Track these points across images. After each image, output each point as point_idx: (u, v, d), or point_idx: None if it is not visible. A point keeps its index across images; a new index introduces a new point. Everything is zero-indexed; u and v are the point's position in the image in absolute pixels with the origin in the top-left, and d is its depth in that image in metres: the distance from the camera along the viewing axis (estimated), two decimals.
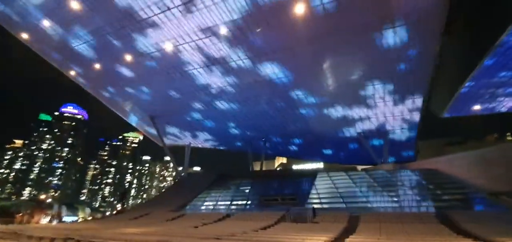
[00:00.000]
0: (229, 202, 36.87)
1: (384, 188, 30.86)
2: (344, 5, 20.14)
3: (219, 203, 37.39)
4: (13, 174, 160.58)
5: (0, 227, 27.01)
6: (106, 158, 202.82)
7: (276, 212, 28.05)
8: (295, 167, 73.45)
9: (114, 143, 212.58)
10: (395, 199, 27.95)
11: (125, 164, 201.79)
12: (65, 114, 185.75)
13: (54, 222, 58.63)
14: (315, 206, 28.65)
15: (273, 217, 25.15)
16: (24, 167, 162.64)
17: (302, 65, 28.56)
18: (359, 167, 44.94)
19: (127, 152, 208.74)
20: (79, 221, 60.39)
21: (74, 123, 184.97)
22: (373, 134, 41.10)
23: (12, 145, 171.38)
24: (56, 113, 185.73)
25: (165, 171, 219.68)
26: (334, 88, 31.90)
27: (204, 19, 23.54)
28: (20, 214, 60.83)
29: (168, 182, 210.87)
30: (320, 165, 63.98)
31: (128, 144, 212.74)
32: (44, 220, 63.47)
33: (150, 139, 58.45)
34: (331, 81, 30.82)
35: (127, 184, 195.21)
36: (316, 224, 21.04)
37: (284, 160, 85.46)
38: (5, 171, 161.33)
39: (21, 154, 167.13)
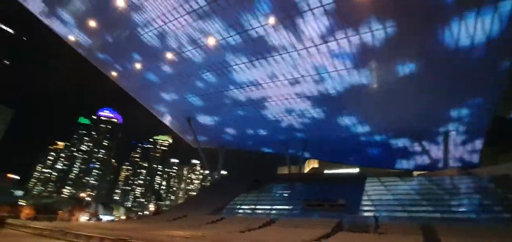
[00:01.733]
0: (268, 207, 35.11)
1: (452, 196, 26.99)
2: None
3: (258, 207, 35.76)
4: (55, 173, 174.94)
5: (47, 224, 27.94)
6: (138, 160, 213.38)
7: (325, 219, 25.66)
8: (327, 171, 69.56)
9: (146, 146, 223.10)
10: (471, 209, 24.07)
11: (155, 166, 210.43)
12: (102, 118, 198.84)
13: (93, 220, 61.43)
14: (370, 214, 25.79)
15: (325, 225, 22.81)
16: (65, 167, 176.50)
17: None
18: (415, 172, 40.67)
19: (157, 154, 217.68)
20: (115, 220, 62.72)
21: (110, 126, 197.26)
22: (430, 135, 36.86)
23: (54, 146, 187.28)
24: (94, 117, 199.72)
25: (192, 174, 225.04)
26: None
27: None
28: (62, 211, 64.83)
29: (195, 185, 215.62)
30: (354, 169, 60.06)
31: (158, 147, 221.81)
32: (83, 218, 66.97)
33: (180, 141, 58.88)
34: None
35: (157, 186, 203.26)
36: (384, 236, 18.38)
37: (315, 163, 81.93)
38: (48, 171, 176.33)
39: (62, 155, 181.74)
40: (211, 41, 27.06)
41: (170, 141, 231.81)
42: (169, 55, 30.53)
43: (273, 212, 33.65)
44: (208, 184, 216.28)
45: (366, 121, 36.67)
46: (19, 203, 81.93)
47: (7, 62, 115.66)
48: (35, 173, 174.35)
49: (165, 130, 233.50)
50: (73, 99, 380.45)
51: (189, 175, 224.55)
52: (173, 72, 33.98)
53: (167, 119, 51.39)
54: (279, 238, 16.30)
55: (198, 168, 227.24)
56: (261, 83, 32.39)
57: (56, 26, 31.27)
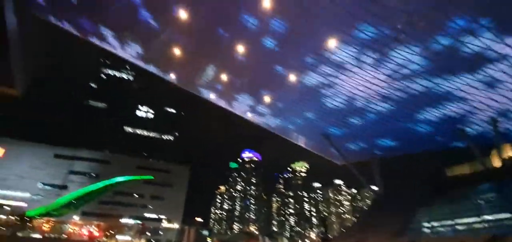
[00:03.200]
0: (477, 219, 26.19)
1: None
2: None
3: (459, 221, 27.46)
4: (224, 213, 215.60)
5: None
6: (283, 190, 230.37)
7: None
8: None
9: (286, 176, 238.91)
10: None
11: (299, 193, 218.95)
12: (245, 159, 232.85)
13: None
14: None
15: None
16: (230, 207, 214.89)
17: None
18: None
19: (299, 182, 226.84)
20: None
21: (253, 165, 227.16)
22: None
23: (219, 190, 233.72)
24: (239, 160, 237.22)
25: (338, 195, 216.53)
26: None
27: None
28: None
29: (345, 207, 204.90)
30: None
31: (297, 174, 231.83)
32: None
33: (318, 164, 57.13)
34: None
35: (307, 212, 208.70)
36: None
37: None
38: (219, 211, 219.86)
39: (226, 197, 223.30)
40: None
41: (307, 166, 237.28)
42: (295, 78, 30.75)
43: (487, 225, 24.67)
44: (360, 201, 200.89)
45: None
46: (208, 240, 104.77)
47: (177, 134, 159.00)
48: (212, 215, 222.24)
49: (300, 156, 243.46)
50: (222, 149, 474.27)
51: (336, 197, 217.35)
52: (307, 92, 33.90)
53: (302, 142, 51.66)
54: None
55: (344, 188, 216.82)
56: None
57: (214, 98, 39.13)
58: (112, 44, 31.90)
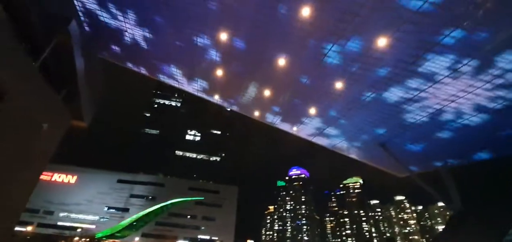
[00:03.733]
0: None
1: None
2: None
3: None
4: (275, 234, 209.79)
5: None
6: (336, 209, 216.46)
7: None
8: None
9: (338, 193, 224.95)
10: None
11: (355, 212, 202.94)
12: (293, 177, 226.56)
13: None
14: None
15: None
16: (280, 227, 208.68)
17: None
18: None
19: (353, 199, 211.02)
20: None
21: (301, 182, 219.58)
22: None
23: (268, 211, 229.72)
24: (287, 177, 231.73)
25: (402, 213, 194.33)
26: None
27: None
28: None
29: (412, 227, 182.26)
30: None
31: (351, 191, 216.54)
32: None
33: (373, 180, 50.60)
34: None
35: (366, 233, 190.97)
36: None
37: None
38: (270, 232, 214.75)
39: (275, 217, 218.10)
40: None
41: (361, 181, 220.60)
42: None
43: None
44: (428, 219, 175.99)
45: None
46: None
47: (223, 155, 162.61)
48: (262, 236, 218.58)
49: (352, 172, 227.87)
50: (268, 168, 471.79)
51: (399, 215, 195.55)
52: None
53: (354, 153, 46.22)
54: None
55: (407, 205, 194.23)
56: None
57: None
58: (180, 81, 33.40)
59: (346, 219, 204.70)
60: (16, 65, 12.62)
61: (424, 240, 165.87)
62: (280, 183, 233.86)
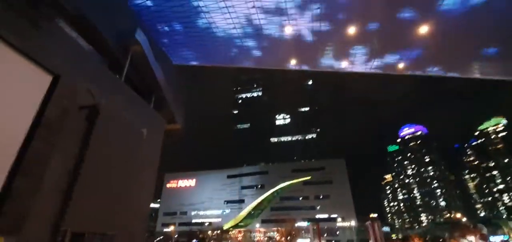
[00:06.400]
0: None
1: None
2: None
3: None
4: (402, 203, 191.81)
5: None
6: (476, 162, 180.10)
7: None
8: None
9: (474, 144, 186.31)
10: None
11: (506, 160, 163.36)
12: (406, 137, 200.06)
13: None
14: None
15: None
16: (405, 196, 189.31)
17: None
18: None
19: (499, 146, 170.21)
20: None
21: (419, 141, 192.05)
22: None
23: (385, 181, 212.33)
24: (398, 140, 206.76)
25: None
26: None
27: None
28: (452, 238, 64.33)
29: None
30: None
31: (493, 137, 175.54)
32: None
33: None
34: None
35: None
36: None
37: None
38: (393, 204, 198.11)
39: (396, 186, 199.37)
40: None
41: (504, 121, 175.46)
42: None
43: None
44: None
45: None
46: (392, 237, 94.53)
47: (318, 130, 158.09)
48: (386, 208, 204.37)
49: (487, 112, 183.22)
50: (372, 134, 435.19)
51: None
52: None
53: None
54: None
55: None
56: None
57: None
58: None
59: (494, 172, 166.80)
60: (104, 81, 14.33)
61: None
62: (392, 148, 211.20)
